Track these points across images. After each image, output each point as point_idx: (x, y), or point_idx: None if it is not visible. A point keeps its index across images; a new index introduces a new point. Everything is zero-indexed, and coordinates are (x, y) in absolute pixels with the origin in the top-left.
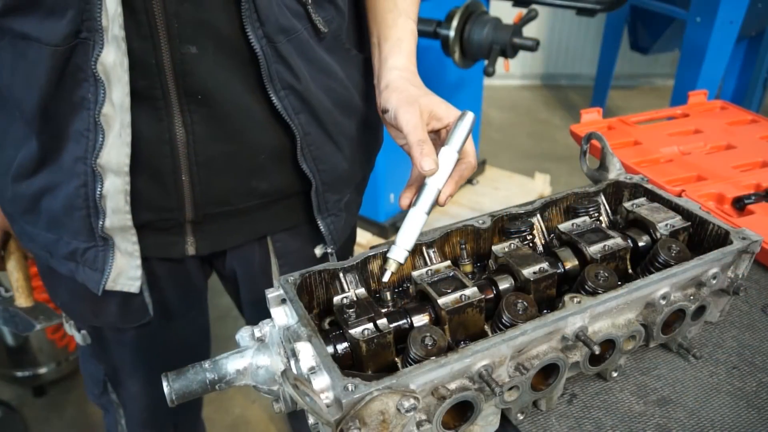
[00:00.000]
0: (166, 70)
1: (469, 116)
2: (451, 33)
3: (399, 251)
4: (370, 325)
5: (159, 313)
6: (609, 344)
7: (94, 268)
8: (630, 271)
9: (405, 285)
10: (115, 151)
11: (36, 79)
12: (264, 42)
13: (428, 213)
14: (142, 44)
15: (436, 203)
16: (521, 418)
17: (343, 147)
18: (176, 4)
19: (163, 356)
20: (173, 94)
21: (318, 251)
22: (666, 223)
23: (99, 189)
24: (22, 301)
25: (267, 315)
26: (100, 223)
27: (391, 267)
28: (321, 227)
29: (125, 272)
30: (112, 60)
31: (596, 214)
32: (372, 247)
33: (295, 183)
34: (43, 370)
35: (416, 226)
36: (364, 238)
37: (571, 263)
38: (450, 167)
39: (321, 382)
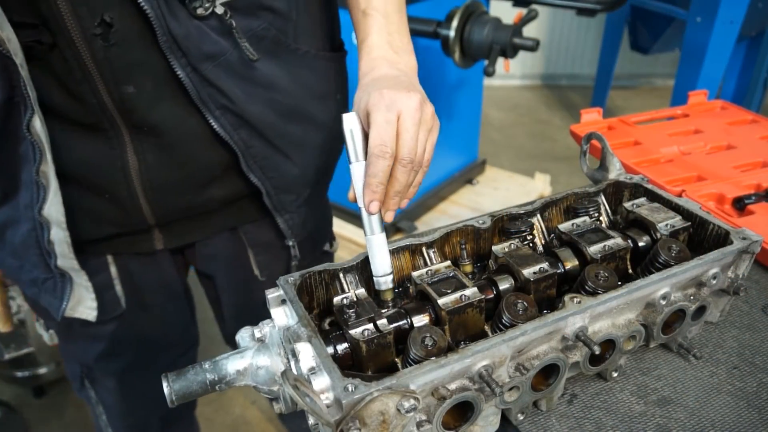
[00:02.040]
0: (110, 108)
1: (347, 119)
2: (451, 33)
3: (383, 280)
4: (370, 326)
5: (133, 307)
6: (609, 344)
7: (54, 296)
8: (630, 271)
9: (405, 285)
10: (54, 207)
11: None
12: (189, 70)
13: (376, 232)
14: (80, 87)
15: (379, 219)
16: (521, 418)
17: (292, 154)
18: (103, 50)
19: (138, 351)
20: (122, 126)
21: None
22: (666, 223)
23: (46, 236)
24: (0, 325)
25: (247, 314)
26: (53, 261)
27: (387, 296)
28: (280, 224)
29: (83, 302)
30: (40, 126)
31: (596, 214)
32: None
33: (250, 188)
34: (43, 371)
35: (377, 249)
36: (360, 235)
37: (571, 263)
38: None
39: (321, 382)
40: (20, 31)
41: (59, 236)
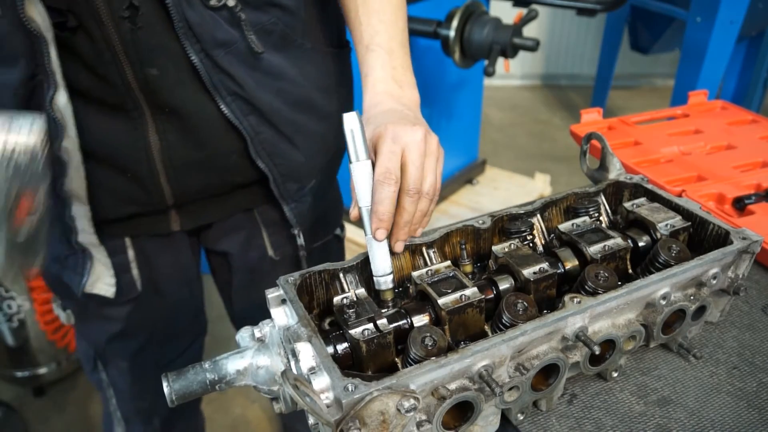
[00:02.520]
0: (134, 89)
1: (348, 119)
2: (451, 33)
3: (383, 280)
4: (370, 326)
5: (148, 290)
6: (609, 344)
7: (76, 272)
8: (630, 271)
9: (405, 285)
10: (75, 182)
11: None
12: (202, 55)
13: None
14: (107, 69)
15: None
16: (521, 418)
17: (298, 142)
18: (130, 32)
19: (150, 333)
20: (145, 107)
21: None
22: (666, 223)
23: (67, 211)
24: None
25: (258, 293)
26: (74, 237)
27: (387, 296)
28: (285, 212)
29: (102, 278)
30: (64, 102)
31: (596, 214)
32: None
33: (259, 174)
34: (43, 370)
35: (377, 249)
36: (361, 235)
37: (571, 263)
38: (368, 181)
39: (321, 382)
40: (49, 13)
41: (80, 211)
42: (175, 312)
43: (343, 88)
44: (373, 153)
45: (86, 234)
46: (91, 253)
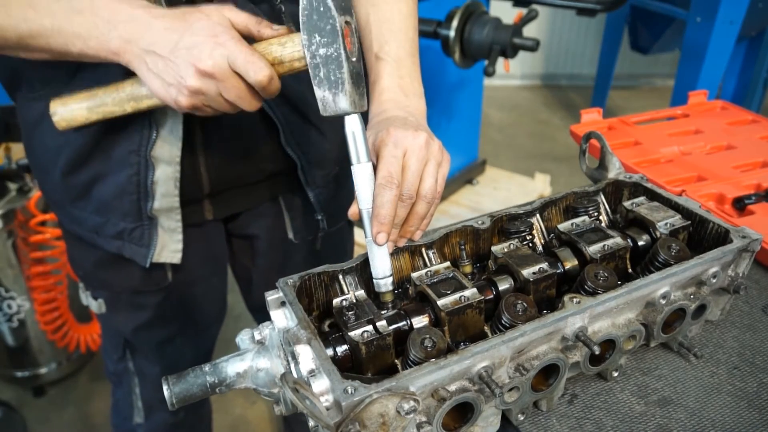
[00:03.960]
0: None
1: (349, 121)
2: (452, 33)
3: (383, 283)
4: (370, 327)
5: (179, 278)
6: (609, 344)
7: (141, 244)
8: (630, 270)
9: (405, 286)
10: (168, 145)
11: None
12: None
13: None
14: None
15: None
16: (522, 418)
17: (325, 131)
18: None
19: (180, 320)
20: None
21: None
22: (666, 222)
23: (151, 176)
24: None
25: (279, 277)
26: (149, 205)
27: (387, 298)
28: (310, 197)
29: (168, 246)
30: None
31: (596, 214)
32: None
33: (288, 162)
34: (43, 370)
35: (377, 251)
36: (360, 236)
37: (570, 263)
38: (369, 184)
39: (321, 384)
40: None
41: (167, 173)
42: (205, 300)
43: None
44: (375, 157)
45: (168, 198)
46: (158, 221)
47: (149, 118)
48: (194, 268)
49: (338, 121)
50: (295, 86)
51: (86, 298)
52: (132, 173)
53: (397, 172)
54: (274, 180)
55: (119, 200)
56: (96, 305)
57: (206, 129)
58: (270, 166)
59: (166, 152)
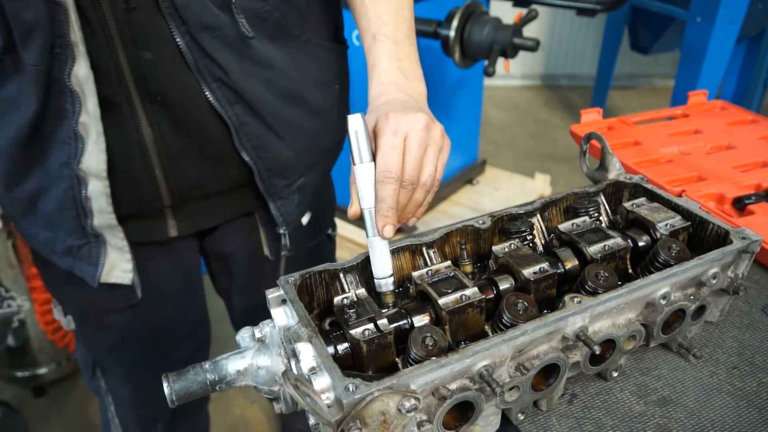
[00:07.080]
0: (126, 75)
1: (353, 121)
2: (452, 33)
3: (384, 282)
4: (371, 326)
5: (149, 296)
6: (609, 344)
7: (90, 262)
8: (630, 271)
9: (405, 285)
10: (94, 157)
11: (24, 93)
12: (188, 38)
13: (379, 234)
14: (100, 52)
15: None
16: (522, 418)
17: (286, 136)
18: (125, 12)
19: (151, 342)
20: (135, 97)
21: (305, 219)
22: (666, 222)
23: (84, 192)
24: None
25: (258, 293)
26: (89, 222)
27: (388, 299)
28: (272, 210)
29: (118, 265)
30: (84, 73)
31: (596, 214)
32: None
33: (246, 168)
34: (43, 370)
35: (378, 251)
36: (360, 235)
37: (571, 263)
38: (371, 184)
39: (322, 382)
40: None
41: (98, 189)
42: (177, 318)
43: (340, 85)
44: (373, 141)
45: (104, 215)
46: (105, 239)
47: (74, 128)
48: (163, 285)
49: (300, 127)
50: (250, 84)
51: (58, 313)
52: (67, 187)
53: (395, 167)
54: (242, 191)
55: (62, 216)
56: (65, 321)
57: (157, 130)
58: (233, 173)
59: (93, 165)
